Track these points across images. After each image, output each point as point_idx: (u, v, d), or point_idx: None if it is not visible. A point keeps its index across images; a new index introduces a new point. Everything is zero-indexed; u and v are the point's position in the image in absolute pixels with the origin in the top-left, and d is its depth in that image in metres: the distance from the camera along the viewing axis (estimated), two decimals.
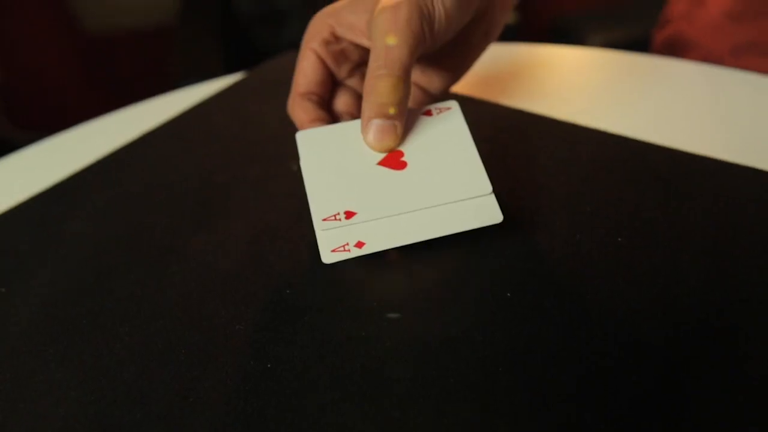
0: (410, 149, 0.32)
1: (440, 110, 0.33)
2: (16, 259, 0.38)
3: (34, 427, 0.27)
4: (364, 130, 0.31)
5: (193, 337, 0.30)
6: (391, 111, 0.31)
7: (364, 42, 0.35)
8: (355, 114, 0.37)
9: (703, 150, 0.38)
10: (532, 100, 0.47)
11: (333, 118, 0.37)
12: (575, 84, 0.49)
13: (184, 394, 0.27)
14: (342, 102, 0.38)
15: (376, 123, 0.31)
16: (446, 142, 0.32)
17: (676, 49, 0.60)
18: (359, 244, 0.28)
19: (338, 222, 0.29)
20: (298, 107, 0.36)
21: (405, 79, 0.31)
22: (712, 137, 0.40)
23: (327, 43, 0.36)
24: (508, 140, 0.42)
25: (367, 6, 0.34)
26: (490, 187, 0.30)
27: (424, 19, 0.31)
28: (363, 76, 0.37)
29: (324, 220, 0.28)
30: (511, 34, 1.09)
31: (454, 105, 0.34)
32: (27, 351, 0.31)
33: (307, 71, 0.36)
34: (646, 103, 0.45)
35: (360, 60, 0.37)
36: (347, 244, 0.28)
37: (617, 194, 0.35)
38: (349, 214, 0.29)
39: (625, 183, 0.36)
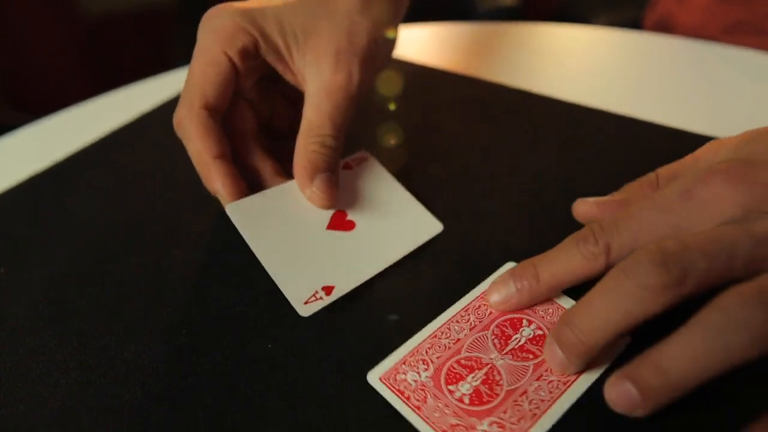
0: (349, 206, 0.33)
1: (358, 161, 0.35)
2: (14, 240, 0.37)
3: (34, 406, 0.27)
4: (306, 188, 0.31)
5: (194, 318, 0.30)
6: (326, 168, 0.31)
7: (291, 79, 0.34)
8: (249, 133, 0.34)
9: (711, 130, 0.37)
10: (536, 79, 0.46)
11: (228, 137, 0.33)
12: (579, 63, 0.49)
13: (184, 374, 0.27)
14: (240, 118, 0.34)
15: (321, 178, 0.31)
16: (378, 192, 0.34)
17: (666, 29, 0.59)
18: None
19: (321, 301, 0.29)
20: (202, 127, 0.31)
21: (340, 138, 0.32)
22: (718, 115, 0.39)
23: (246, 54, 0.32)
24: (511, 121, 0.41)
25: (298, 39, 0.32)
26: (441, 225, 0.33)
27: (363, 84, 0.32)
28: (264, 91, 0.35)
29: (306, 303, 0.29)
30: (515, 14, 1.07)
31: (366, 155, 0.36)
32: (26, 331, 0.31)
33: (214, 80, 0.31)
34: (652, 82, 0.45)
35: (268, 74, 0.34)
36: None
37: (620, 175, 0.35)
38: (327, 289, 0.29)
39: (628, 164, 0.36)
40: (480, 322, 0.27)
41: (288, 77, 0.34)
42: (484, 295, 0.28)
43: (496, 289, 0.27)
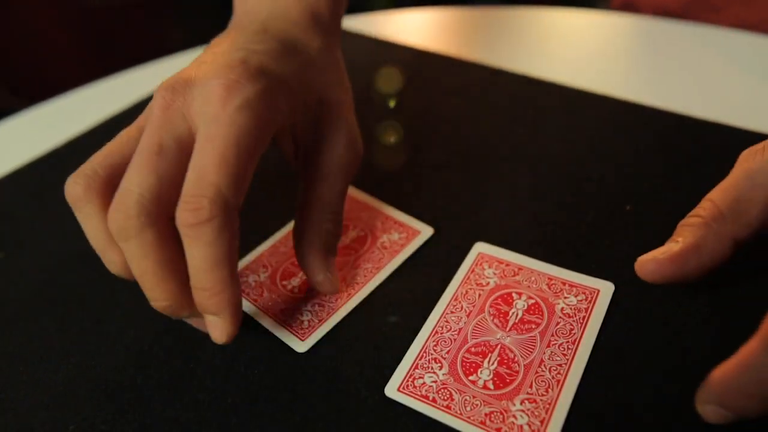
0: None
1: None
2: (14, 225, 0.37)
3: (35, 390, 0.27)
4: (321, 273, 0.27)
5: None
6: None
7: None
8: None
9: (710, 113, 0.37)
10: (538, 64, 0.46)
11: None
12: (583, 48, 0.48)
13: (185, 359, 0.27)
14: None
15: (333, 262, 0.28)
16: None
17: (630, 8, 0.59)
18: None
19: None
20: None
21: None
22: (719, 100, 0.39)
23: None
24: (512, 106, 0.41)
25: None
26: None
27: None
28: None
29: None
30: None
31: None
32: (26, 317, 0.31)
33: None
34: (656, 67, 0.44)
35: None
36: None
37: (623, 161, 0.34)
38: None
39: (631, 149, 0.35)
40: (474, 306, 0.27)
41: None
42: (468, 279, 0.29)
43: None
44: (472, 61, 0.46)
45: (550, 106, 0.40)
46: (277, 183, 0.37)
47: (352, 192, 0.34)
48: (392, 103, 0.35)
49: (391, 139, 0.37)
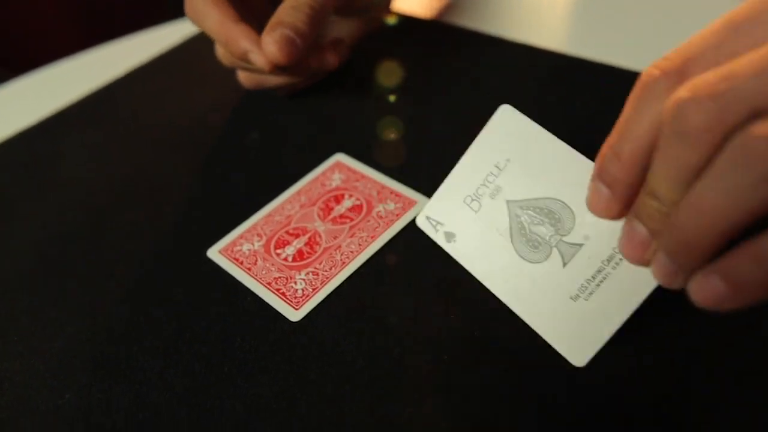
0: None
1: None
2: (6, 196, 0.37)
3: (30, 360, 0.27)
4: (265, 36, 0.32)
5: (190, 276, 0.30)
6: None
7: None
8: (263, 17, 0.35)
9: None
10: (543, 34, 0.45)
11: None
12: (583, 16, 0.47)
13: (180, 330, 0.27)
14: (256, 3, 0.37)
15: (281, 32, 0.31)
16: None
17: None
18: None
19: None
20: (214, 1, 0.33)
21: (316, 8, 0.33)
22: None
23: None
24: (514, 75, 0.40)
25: None
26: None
27: None
28: None
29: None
30: None
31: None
32: (21, 289, 0.30)
33: None
34: (650, 34, 0.43)
35: None
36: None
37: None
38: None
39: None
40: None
41: None
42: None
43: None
44: (475, 30, 0.45)
45: (553, 76, 0.39)
46: (271, 155, 0.37)
47: (349, 161, 0.34)
48: (393, 98, 0.34)
49: (392, 135, 0.36)
